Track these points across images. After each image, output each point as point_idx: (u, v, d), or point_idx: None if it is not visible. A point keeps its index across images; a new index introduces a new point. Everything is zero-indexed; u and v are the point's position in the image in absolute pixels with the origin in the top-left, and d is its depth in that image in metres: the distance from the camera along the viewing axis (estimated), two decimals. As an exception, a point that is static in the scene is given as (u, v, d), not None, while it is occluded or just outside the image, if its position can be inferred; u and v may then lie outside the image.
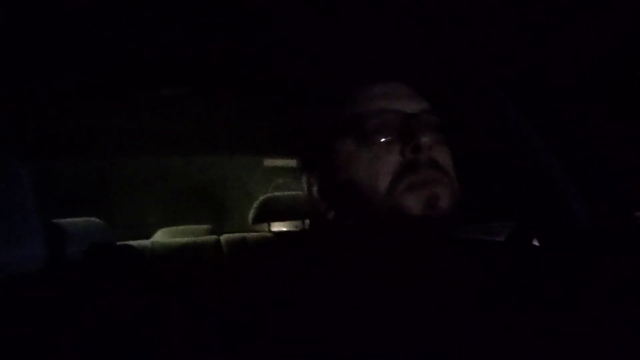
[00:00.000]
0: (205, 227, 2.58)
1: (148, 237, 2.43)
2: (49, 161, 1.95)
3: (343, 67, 1.17)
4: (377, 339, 0.63)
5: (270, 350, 0.64)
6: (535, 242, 1.12)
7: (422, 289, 0.67)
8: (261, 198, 2.19)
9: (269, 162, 3.02)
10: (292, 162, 2.63)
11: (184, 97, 1.46)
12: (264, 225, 2.23)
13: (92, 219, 1.80)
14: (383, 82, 0.71)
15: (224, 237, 2.09)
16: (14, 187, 0.96)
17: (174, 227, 2.51)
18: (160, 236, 2.42)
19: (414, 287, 0.67)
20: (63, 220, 1.66)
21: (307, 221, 2.29)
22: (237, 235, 2.12)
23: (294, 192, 2.22)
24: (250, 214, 2.18)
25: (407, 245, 0.66)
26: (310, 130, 0.74)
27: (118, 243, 1.94)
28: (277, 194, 2.43)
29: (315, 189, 0.72)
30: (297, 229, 2.45)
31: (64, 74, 1.21)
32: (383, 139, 0.65)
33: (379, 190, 0.64)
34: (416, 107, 0.68)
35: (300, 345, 0.64)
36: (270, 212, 2.14)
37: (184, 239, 2.07)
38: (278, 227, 2.37)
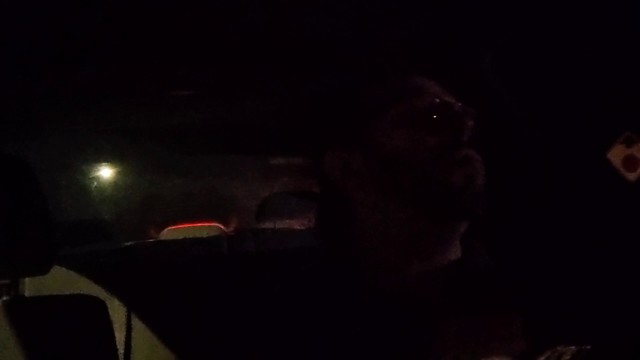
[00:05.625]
0: (211, 225, 2.60)
1: (155, 236, 2.45)
2: (58, 162, 1.97)
3: (348, 63, 1.17)
4: (385, 338, 0.64)
5: (272, 349, 0.65)
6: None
7: (436, 287, 0.68)
8: (267, 196, 2.20)
9: (274, 161, 3.02)
10: (297, 161, 2.63)
11: (190, 97, 1.46)
12: (270, 224, 2.24)
13: (101, 219, 1.81)
14: (429, 79, 0.75)
15: (229, 236, 2.10)
16: (25, 187, 0.97)
17: (181, 226, 2.53)
18: (168, 235, 2.44)
19: (427, 285, 0.68)
20: (73, 221, 1.68)
21: (313, 219, 2.29)
22: (242, 233, 2.13)
23: (300, 190, 2.23)
24: (256, 213, 2.19)
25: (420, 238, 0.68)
26: (341, 108, 0.77)
27: (126, 243, 1.96)
28: (282, 192, 2.44)
29: (339, 167, 0.73)
30: (303, 227, 2.45)
31: (72, 76, 1.22)
32: (430, 119, 0.68)
33: (420, 165, 0.66)
34: (459, 103, 0.72)
35: (303, 345, 0.64)
36: (275, 210, 2.16)
37: (191, 238, 2.08)
38: (283, 225, 2.38)
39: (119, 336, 1.54)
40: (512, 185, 1.04)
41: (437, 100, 0.70)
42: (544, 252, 0.78)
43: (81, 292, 1.16)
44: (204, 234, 2.22)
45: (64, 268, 1.65)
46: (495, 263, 0.73)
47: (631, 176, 1.00)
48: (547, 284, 0.69)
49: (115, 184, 2.97)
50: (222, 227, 2.85)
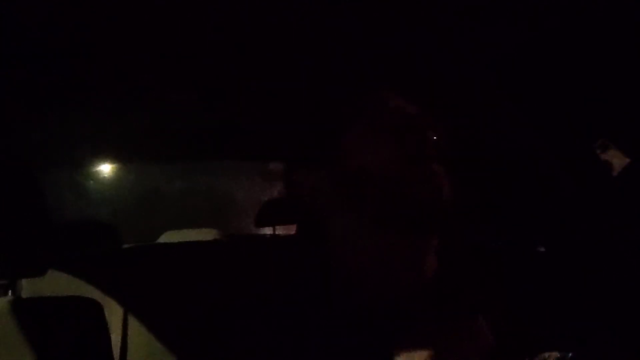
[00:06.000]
0: (210, 230, 2.59)
1: (153, 240, 2.44)
2: (58, 165, 1.97)
3: (347, 69, 1.17)
4: (378, 341, 0.65)
5: (264, 352, 0.66)
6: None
7: (417, 293, 0.68)
8: (265, 201, 2.20)
9: (274, 166, 3.03)
10: (297, 166, 2.63)
11: (189, 101, 1.47)
12: (268, 229, 2.24)
13: (100, 221, 1.81)
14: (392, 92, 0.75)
15: (228, 241, 2.10)
16: (24, 188, 0.97)
17: (179, 230, 2.52)
18: (166, 239, 2.43)
19: (399, 295, 0.68)
20: (71, 222, 1.68)
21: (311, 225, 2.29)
22: (242, 238, 2.13)
23: (299, 196, 2.23)
24: (255, 218, 2.19)
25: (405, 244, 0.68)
26: (304, 129, 0.77)
27: (124, 246, 1.96)
28: (281, 197, 2.44)
29: (307, 186, 0.73)
30: (303, 233, 2.45)
31: (72, 79, 1.23)
32: (392, 134, 0.68)
33: (384, 180, 0.66)
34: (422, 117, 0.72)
35: (300, 345, 0.65)
36: (274, 215, 2.15)
37: (189, 242, 2.08)
38: (283, 230, 2.38)
39: (115, 338, 1.53)
40: (488, 191, 1.05)
41: (400, 115, 0.70)
42: (529, 261, 0.79)
43: (78, 294, 1.16)
44: (202, 238, 2.22)
45: (61, 270, 1.66)
46: (479, 270, 0.73)
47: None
48: (533, 291, 0.70)
49: (114, 186, 2.97)
50: (220, 231, 2.85)
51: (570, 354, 0.57)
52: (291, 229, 2.45)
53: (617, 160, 0.96)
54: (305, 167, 0.66)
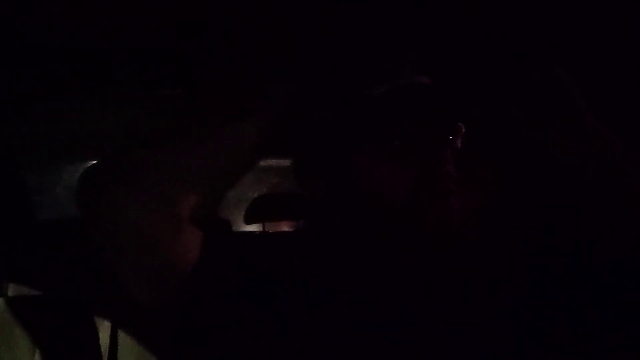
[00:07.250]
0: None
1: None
2: (46, 162, 1.95)
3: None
4: (374, 342, 0.64)
5: (260, 352, 0.65)
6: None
7: (421, 292, 0.68)
8: (255, 197, 2.18)
9: (263, 162, 3.01)
10: (286, 162, 2.62)
11: (177, 97, 1.46)
12: (259, 226, 2.22)
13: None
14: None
15: (217, 238, 2.08)
16: (15, 187, 0.96)
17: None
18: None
19: (414, 289, 0.68)
20: (57, 221, 1.66)
21: (303, 221, 2.29)
22: (230, 236, 2.11)
23: (289, 192, 2.22)
24: (244, 214, 2.17)
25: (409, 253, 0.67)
26: (322, 137, 0.73)
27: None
28: (271, 193, 2.43)
29: (321, 192, 0.72)
30: (293, 229, 2.45)
31: (61, 75, 1.21)
32: (408, 153, 0.66)
33: (397, 202, 0.65)
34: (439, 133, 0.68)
35: (293, 347, 0.64)
36: (264, 212, 2.14)
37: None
38: (273, 227, 2.37)
39: (104, 338, 1.52)
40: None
41: (416, 133, 0.66)
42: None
43: (65, 294, 1.15)
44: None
45: (48, 268, 1.64)
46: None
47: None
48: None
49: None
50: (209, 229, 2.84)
51: None
52: (282, 226, 2.44)
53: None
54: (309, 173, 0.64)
